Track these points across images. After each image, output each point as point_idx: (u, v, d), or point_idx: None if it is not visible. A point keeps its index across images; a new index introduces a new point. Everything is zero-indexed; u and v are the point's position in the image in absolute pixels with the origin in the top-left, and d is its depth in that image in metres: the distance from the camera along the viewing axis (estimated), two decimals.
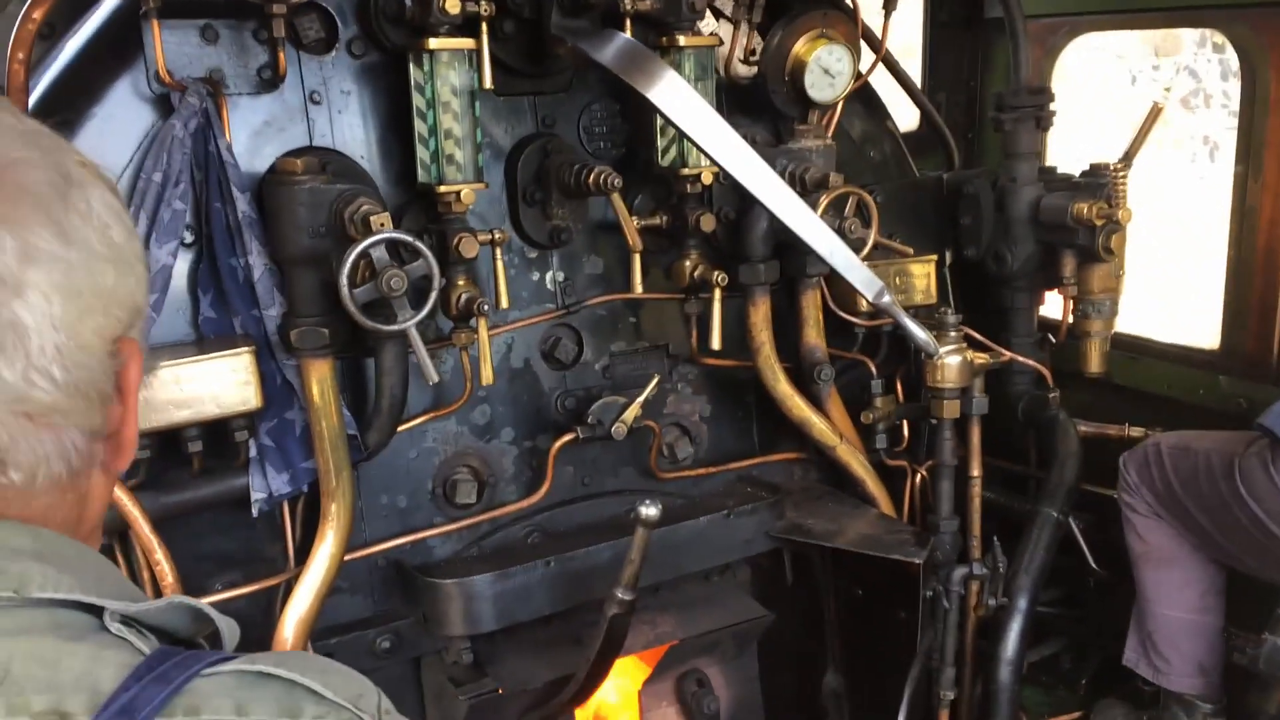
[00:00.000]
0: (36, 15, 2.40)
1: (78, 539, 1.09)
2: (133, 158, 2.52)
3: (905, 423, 3.45)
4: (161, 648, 1.01)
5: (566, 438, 2.97)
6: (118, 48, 2.54)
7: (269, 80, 2.64)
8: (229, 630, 1.10)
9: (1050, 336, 3.55)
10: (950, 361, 3.13)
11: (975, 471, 3.34)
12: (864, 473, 3.34)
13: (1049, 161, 3.67)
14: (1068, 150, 4.00)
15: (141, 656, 0.98)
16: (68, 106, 2.51)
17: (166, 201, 2.46)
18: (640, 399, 2.95)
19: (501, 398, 3.00)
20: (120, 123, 2.53)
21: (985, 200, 3.46)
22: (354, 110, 2.76)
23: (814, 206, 2.87)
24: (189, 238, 2.55)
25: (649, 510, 2.42)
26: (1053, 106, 3.37)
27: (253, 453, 2.59)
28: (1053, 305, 3.60)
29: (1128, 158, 3.27)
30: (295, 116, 2.70)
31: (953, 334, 3.15)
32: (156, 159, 2.46)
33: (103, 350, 1.06)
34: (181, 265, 2.55)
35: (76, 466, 1.07)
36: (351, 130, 2.76)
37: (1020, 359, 3.43)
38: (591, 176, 2.75)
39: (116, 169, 2.51)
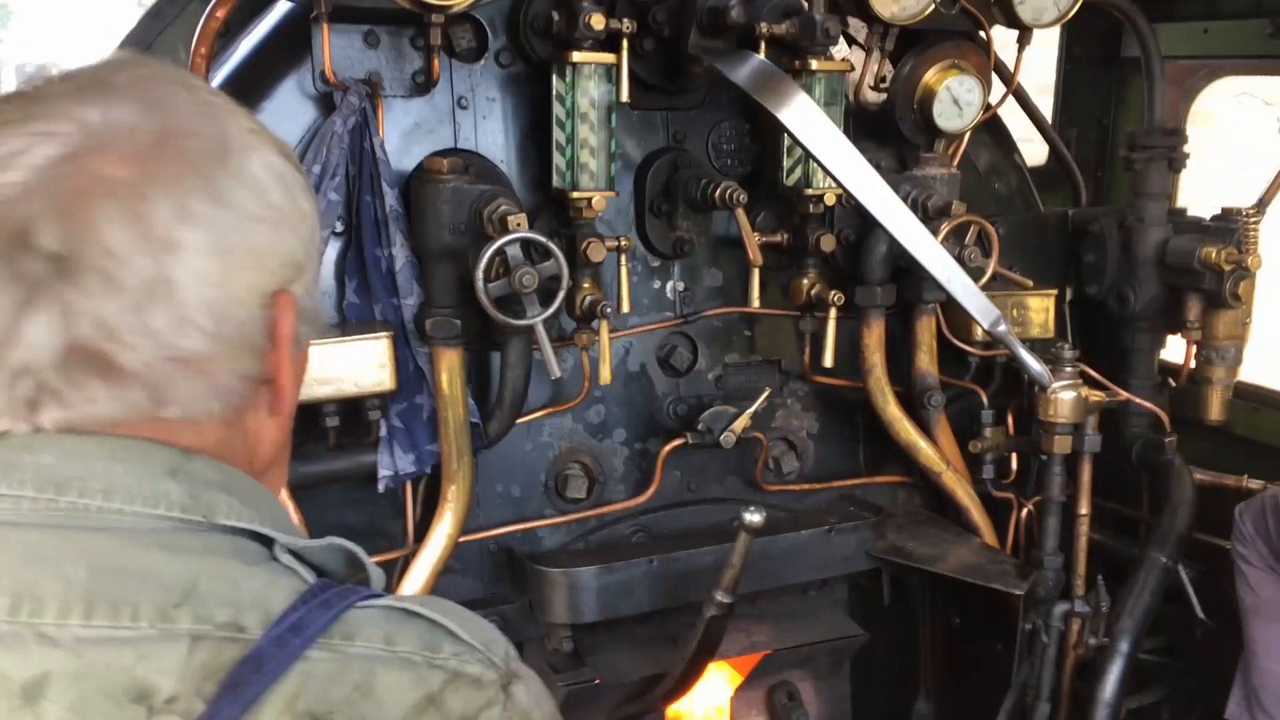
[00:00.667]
0: (219, 14, 2.62)
1: (252, 474, 1.23)
2: (296, 149, 2.71)
3: (1014, 455, 3.44)
4: (322, 579, 1.14)
5: (676, 442, 3.07)
6: (287, 48, 2.74)
7: (422, 84, 2.80)
8: (377, 577, 1.22)
9: (1170, 381, 3.51)
10: (1064, 396, 3.13)
11: (1084, 509, 3.31)
12: (969, 501, 3.35)
13: (1180, 204, 3.63)
14: (1202, 194, 3.95)
15: (307, 585, 1.11)
16: (240, 99, 2.71)
17: (323, 193, 2.65)
18: (750, 410, 3.03)
19: (616, 399, 3.11)
20: (285, 117, 2.72)
21: (1110, 239, 3.44)
22: (497, 116, 2.91)
23: (935, 233, 2.91)
24: (339, 227, 2.73)
25: (753, 516, 2.49)
26: (1186, 148, 3.35)
27: (383, 432, 2.75)
28: (1175, 349, 3.55)
29: (1262, 204, 3.22)
30: (443, 119, 2.86)
31: (1068, 369, 3.14)
32: (316, 152, 2.65)
33: (255, 303, 1.15)
34: (331, 253, 2.74)
35: (237, 405, 1.17)
36: (494, 135, 2.92)
37: (1137, 400, 3.40)
38: (717, 191, 2.85)
39: None
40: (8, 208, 1.04)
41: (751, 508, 2.50)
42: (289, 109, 2.73)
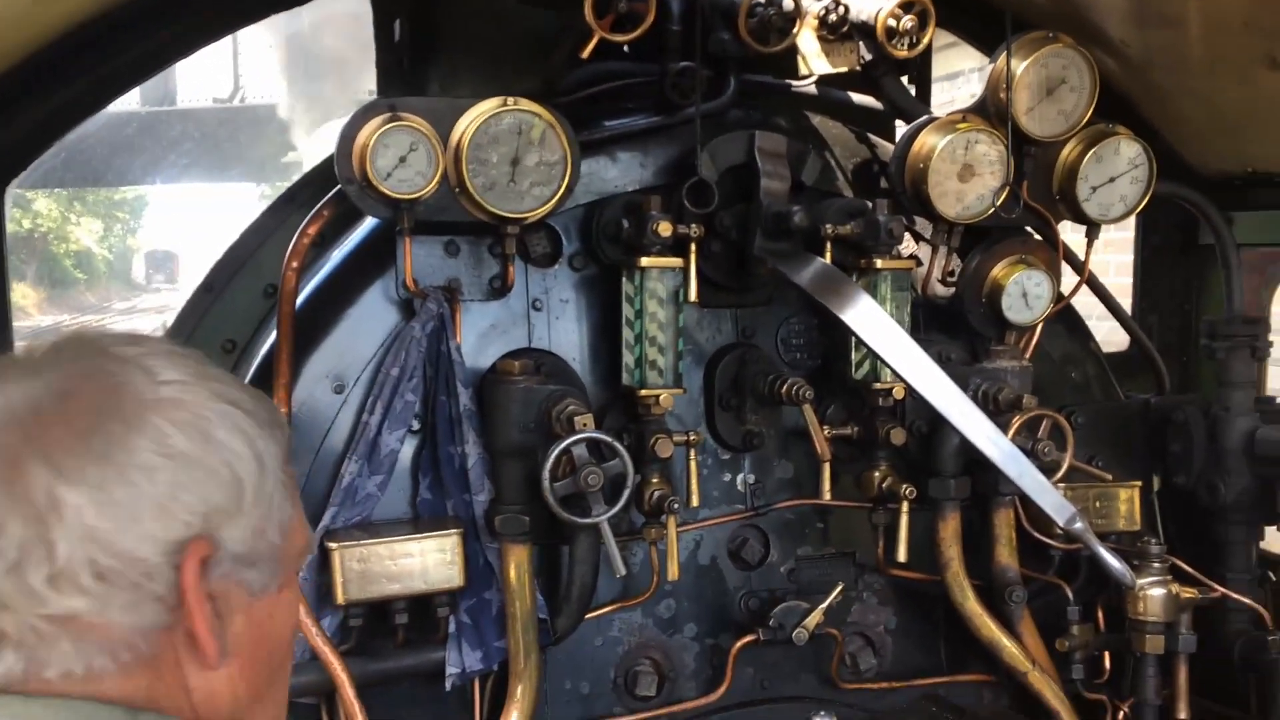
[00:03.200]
0: (311, 231, 2.83)
1: None
2: (376, 353, 2.85)
3: (1106, 654, 3.29)
4: None
5: (748, 638, 3.02)
6: (374, 258, 2.92)
7: (498, 289, 2.94)
8: None
9: (1270, 574, 3.34)
10: (1153, 593, 3.01)
11: (1183, 715, 3.13)
12: (1058, 704, 3.19)
13: (1271, 390, 3.54)
14: None
15: None
16: (329, 306, 2.88)
17: (400, 393, 2.77)
18: (824, 605, 2.98)
19: (687, 593, 3.09)
20: (370, 321, 2.88)
21: (1196, 428, 3.35)
22: (570, 316, 3.03)
23: (1006, 427, 2.89)
24: (415, 426, 2.84)
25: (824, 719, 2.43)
26: (1270, 336, 3.29)
27: (451, 629, 2.78)
28: (1275, 540, 3.40)
29: None
30: (518, 321, 2.99)
31: (1156, 564, 3.03)
32: (396, 355, 2.78)
33: (155, 554, 1.13)
34: (407, 450, 2.84)
35: (147, 658, 1.14)
36: (566, 334, 3.03)
37: (1235, 596, 3.24)
38: (784, 387, 2.89)
39: (364, 361, 2.85)
40: None
41: (822, 712, 2.43)
42: (373, 313, 2.89)
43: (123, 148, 16.05)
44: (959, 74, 8.69)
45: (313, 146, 12.04)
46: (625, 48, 2.87)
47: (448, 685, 2.75)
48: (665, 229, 2.76)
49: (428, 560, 2.69)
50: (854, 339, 3.03)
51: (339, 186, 2.73)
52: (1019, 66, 2.96)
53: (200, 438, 1.19)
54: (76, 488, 1.11)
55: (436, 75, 3.38)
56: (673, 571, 2.83)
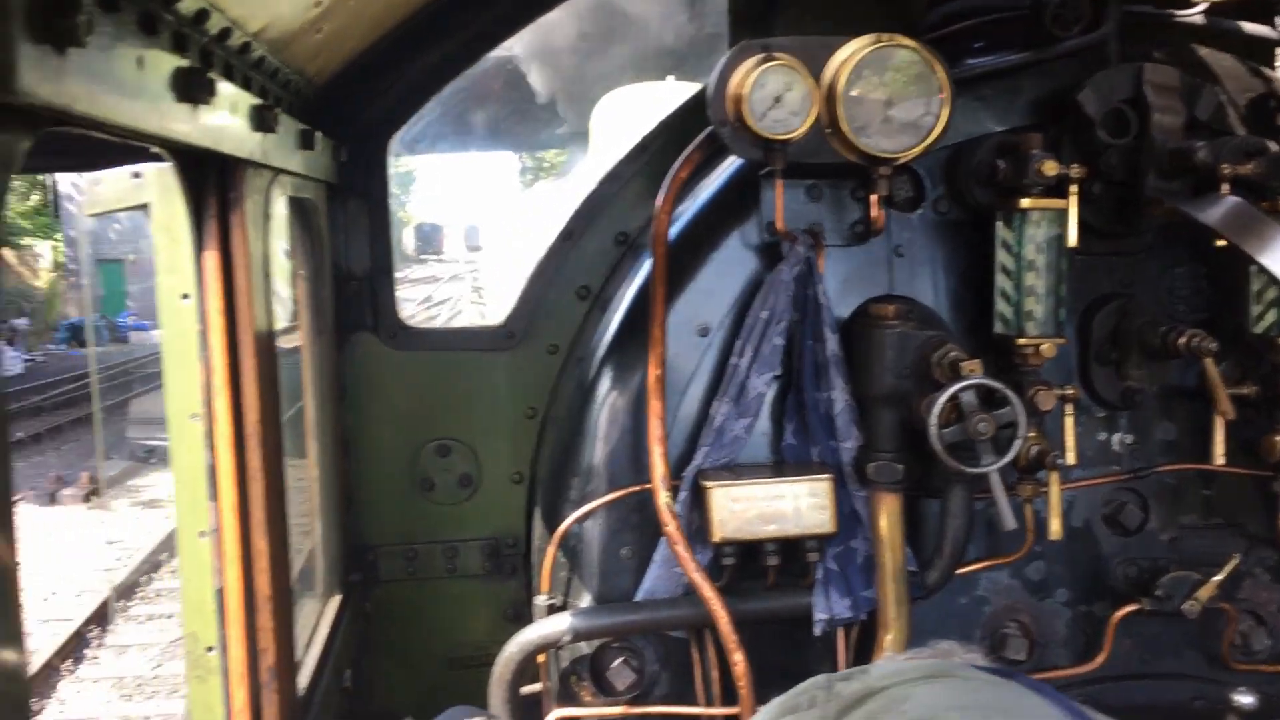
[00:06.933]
0: (683, 174, 2.85)
1: None
2: (739, 294, 2.85)
3: None
4: None
5: (1129, 608, 2.83)
6: (733, 206, 2.91)
7: (860, 234, 2.87)
8: None
9: None
10: None
11: None
12: None
13: None
14: None
15: None
16: (692, 252, 2.91)
17: (768, 337, 2.75)
18: (1219, 578, 2.76)
19: (1058, 556, 2.93)
20: (731, 266, 2.88)
21: None
22: (932, 263, 2.92)
23: None
24: (780, 371, 2.81)
25: (1244, 698, 2.23)
26: None
27: (819, 575, 2.75)
28: None
29: None
30: (879, 267, 2.91)
31: None
32: (764, 299, 2.76)
33: None
34: (771, 395, 2.83)
35: None
36: (926, 282, 2.92)
37: None
38: (1182, 339, 2.68)
39: (726, 306, 2.86)
40: None
41: (1242, 688, 2.23)
42: (733, 258, 2.89)
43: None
44: None
45: (596, 116, 12.39)
46: None
47: (816, 631, 2.72)
48: (1050, 168, 2.61)
49: (800, 504, 2.67)
50: (1255, 288, 2.78)
51: (708, 129, 2.73)
52: None
53: None
54: None
55: (782, 22, 3.34)
56: (1055, 530, 2.68)
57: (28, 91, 1.18)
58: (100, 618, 9.71)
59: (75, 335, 28.27)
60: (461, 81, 3.68)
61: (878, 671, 1.46)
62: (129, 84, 1.56)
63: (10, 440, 1.40)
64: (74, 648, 9.09)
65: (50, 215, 32.78)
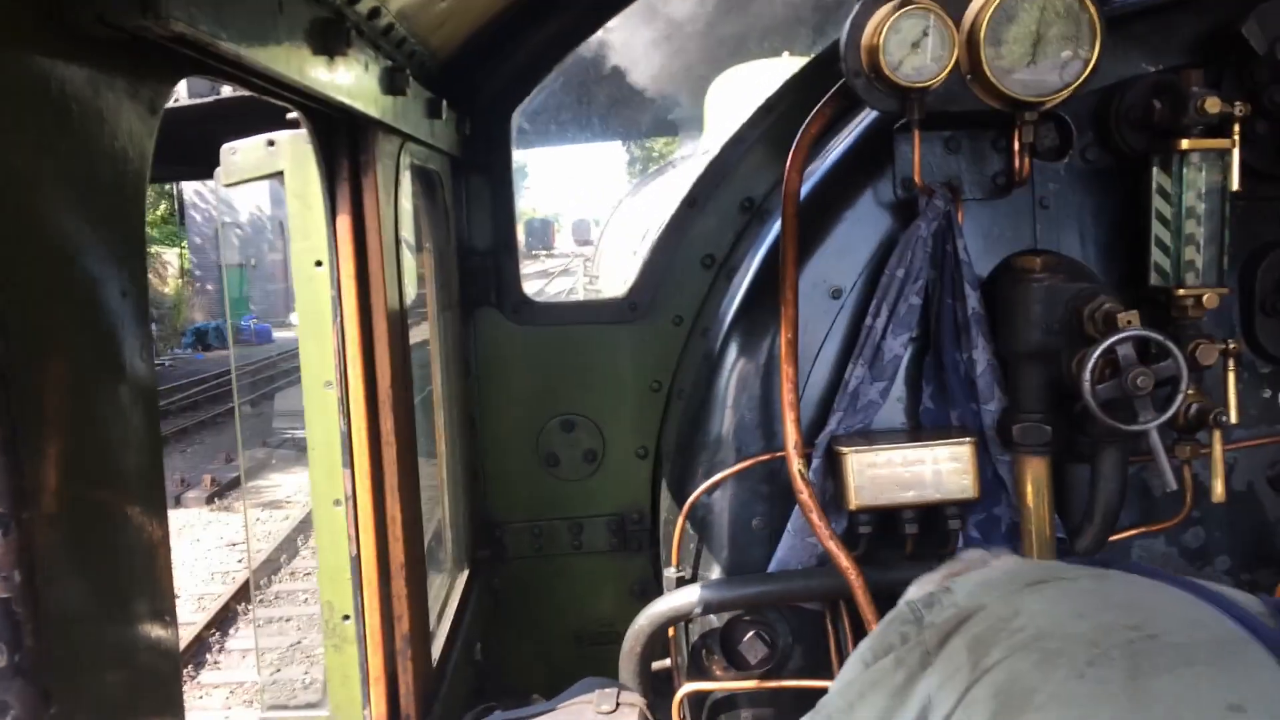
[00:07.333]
0: (814, 130, 2.75)
1: None
2: (873, 254, 2.75)
3: None
4: None
5: None
6: (868, 160, 2.81)
7: (1002, 186, 2.74)
8: None
9: None
10: None
11: None
12: None
13: None
14: None
15: None
16: (824, 209, 2.81)
17: (905, 296, 2.65)
18: None
19: (1219, 522, 2.75)
20: (864, 226, 2.78)
21: None
22: (1079, 214, 2.77)
23: None
24: (916, 332, 2.70)
25: None
26: None
27: (960, 544, 2.63)
28: None
29: None
30: (1022, 220, 2.77)
31: None
32: (901, 256, 2.65)
33: None
34: (908, 357, 2.71)
35: None
36: (1073, 234, 2.77)
37: None
38: None
39: (859, 267, 2.76)
40: None
41: None
42: (867, 215, 2.78)
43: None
44: None
45: (710, 97, 12.28)
46: None
47: None
48: (1213, 105, 2.44)
49: (941, 469, 2.55)
50: None
51: (839, 83, 2.63)
52: None
53: None
54: None
55: None
56: (1219, 492, 2.51)
57: (176, 17, 1.17)
58: (220, 622, 9.92)
59: (201, 340, 29.36)
60: (566, 70, 3.66)
61: (962, 589, 1.36)
62: (268, 29, 1.55)
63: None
64: (193, 652, 9.30)
65: (176, 223, 34.10)
